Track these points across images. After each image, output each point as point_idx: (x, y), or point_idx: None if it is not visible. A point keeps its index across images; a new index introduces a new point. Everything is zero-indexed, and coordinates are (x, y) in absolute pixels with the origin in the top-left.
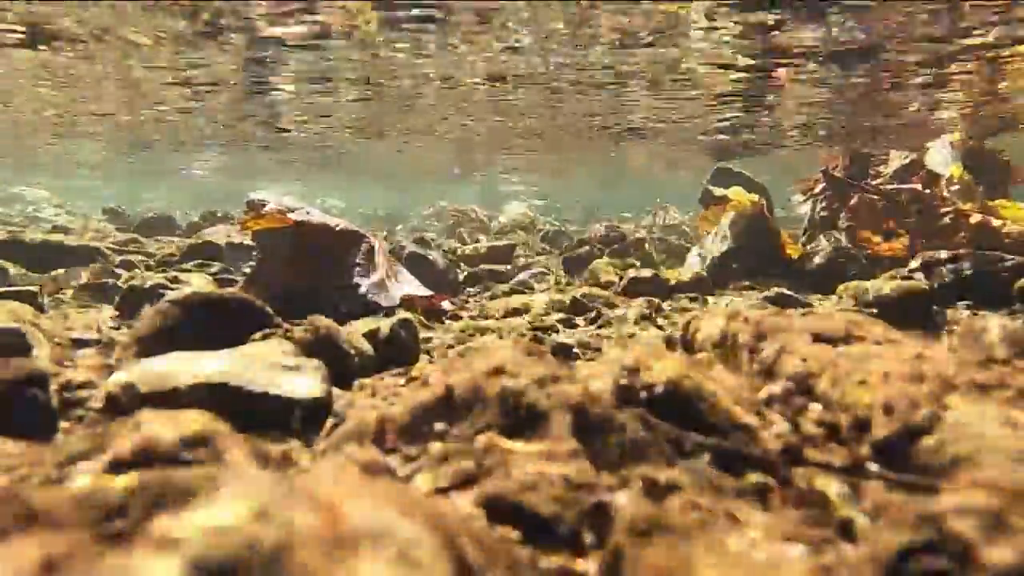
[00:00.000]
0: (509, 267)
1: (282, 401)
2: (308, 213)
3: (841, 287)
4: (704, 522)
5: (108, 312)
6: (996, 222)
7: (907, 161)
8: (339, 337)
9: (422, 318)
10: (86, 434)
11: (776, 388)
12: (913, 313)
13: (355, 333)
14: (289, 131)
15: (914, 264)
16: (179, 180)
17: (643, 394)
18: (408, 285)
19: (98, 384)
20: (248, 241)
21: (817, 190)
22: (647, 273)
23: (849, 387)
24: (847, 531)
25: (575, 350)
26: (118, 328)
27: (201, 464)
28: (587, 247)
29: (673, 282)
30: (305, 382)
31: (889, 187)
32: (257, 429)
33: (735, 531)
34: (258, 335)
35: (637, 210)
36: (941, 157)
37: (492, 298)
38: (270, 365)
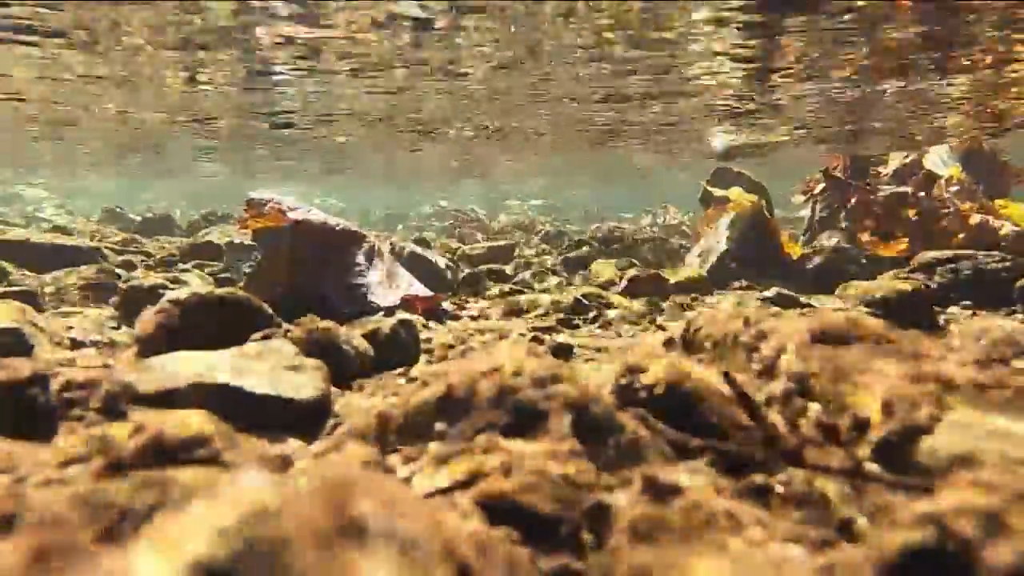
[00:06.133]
0: (509, 267)
1: (282, 401)
2: (308, 212)
3: (841, 287)
4: (704, 523)
5: (108, 312)
6: (995, 222)
7: (907, 161)
8: (339, 337)
9: (422, 318)
10: (86, 435)
11: (776, 388)
12: (913, 313)
13: (355, 333)
14: (291, 127)
15: (914, 264)
16: (179, 180)
17: (643, 394)
18: (408, 285)
19: (98, 384)
20: (248, 241)
21: (817, 190)
22: (647, 273)
23: (849, 387)
24: (847, 531)
25: (575, 350)
26: (118, 328)
27: (201, 464)
28: (587, 247)
29: (673, 282)
30: (305, 382)
31: (887, 188)
32: (257, 429)
33: (735, 532)
34: (258, 335)
35: (637, 210)
36: (939, 158)
37: (492, 298)
38: (270, 365)
